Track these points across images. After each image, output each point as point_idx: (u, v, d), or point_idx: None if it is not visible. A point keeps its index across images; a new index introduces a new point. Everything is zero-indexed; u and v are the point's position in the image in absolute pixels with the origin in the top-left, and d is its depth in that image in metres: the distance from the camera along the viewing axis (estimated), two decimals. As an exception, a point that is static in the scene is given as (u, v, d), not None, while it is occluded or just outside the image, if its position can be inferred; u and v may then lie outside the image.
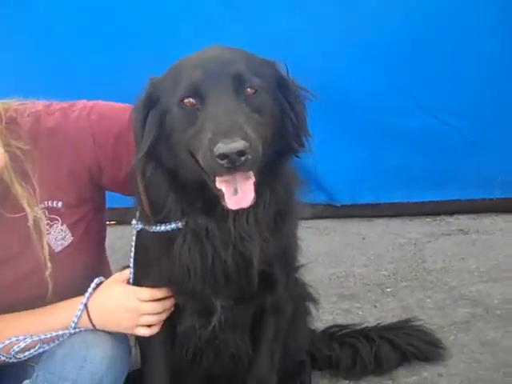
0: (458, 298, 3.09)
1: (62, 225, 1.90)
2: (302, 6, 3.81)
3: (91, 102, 1.93)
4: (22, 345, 1.83)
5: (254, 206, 1.58)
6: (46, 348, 1.87)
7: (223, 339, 1.94)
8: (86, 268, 1.98)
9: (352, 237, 4.00)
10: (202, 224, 1.65)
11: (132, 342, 2.09)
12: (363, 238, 3.97)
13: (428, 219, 4.20)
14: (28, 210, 1.79)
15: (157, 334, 1.93)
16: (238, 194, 1.47)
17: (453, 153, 4.05)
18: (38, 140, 1.84)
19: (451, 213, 4.20)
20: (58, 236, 1.90)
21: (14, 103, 1.87)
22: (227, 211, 1.58)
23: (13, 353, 1.84)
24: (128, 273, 1.89)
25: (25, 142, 1.81)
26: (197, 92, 1.51)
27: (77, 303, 1.86)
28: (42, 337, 1.85)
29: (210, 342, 1.96)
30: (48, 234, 1.86)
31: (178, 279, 1.76)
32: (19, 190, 1.79)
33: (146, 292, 1.85)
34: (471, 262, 3.51)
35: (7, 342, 1.83)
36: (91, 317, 1.85)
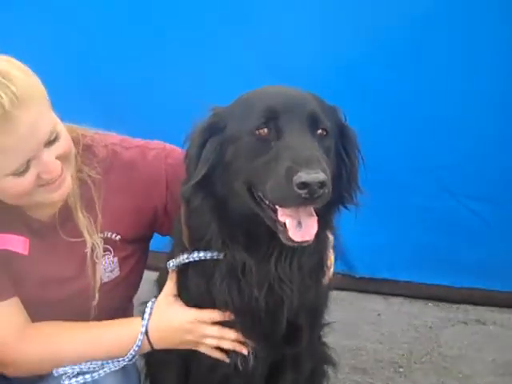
0: (472, 388, 3.01)
1: (113, 257, 1.92)
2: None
3: (170, 146, 1.99)
4: (77, 370, 1.80)
5: (299, 252, 1.59)
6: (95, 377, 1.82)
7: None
8: (120, 304, 2.02)
9: (367, 312, 3.94)
10: (241, 259, 1.63)
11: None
12: (378, 315, 3.91)
13: (446, 305, 4.13)
14: (87, 237, 1.83)
15: (169, 371, 1.90)
16: (302, 227, 1.47)
17: (474, 239, 4.03)
18: (111, 172, 1.89)
19: (469, 302, 4.14)
20: (108, 268, 1.92)
21: (90, 131, 1.93)
22: (271, 250, 1.58)
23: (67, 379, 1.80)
24: (172, 286, 1.85)
25: (97, 171, 1.86)
26: (273, 123, 1.52)
27: (135, 326, 1.82)
28: (91, 367, 1.81)
29: None
30: (98, 263, 1.88)
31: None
32: (81, 217, 1.82)
33: (206, 314, 1.80)
34: (487, 353, 3.43)
35: (61, 372, 1.80)
36: (151, 341, 1.82)
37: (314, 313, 1.84)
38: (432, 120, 3.89)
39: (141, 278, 2.12)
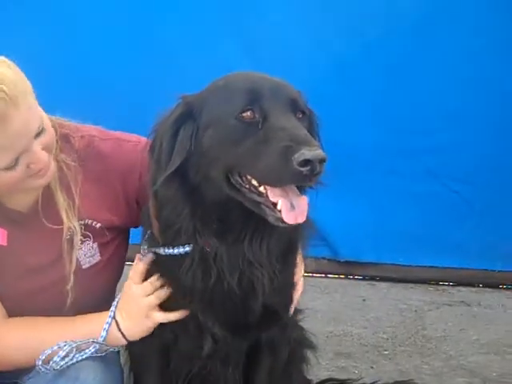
0: (456, 368, 3.04)
1: (93, 243, 1.93)
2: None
3: (145, 140, 1.98)
4: (62, 353, 1.79)
5: (268, 235, 1.60)
6: (79, 358, 1.82)
7: (214, 372, 1.89)
8: (103, 289, 2.01)
9: (352, 298, 3.97)
10: (212, 248, 1.63)
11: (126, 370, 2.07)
12: (364, 300, 3.94)
13: (430, 288, 4.16)
14: (65, 220, 1.84)
15: (150, 362, 1.91)
16: (295, 209, 1.47)
17: (458, 221, 4.07)
18: (88, 161, 1.90)
19: (453, 282, 4.17)
20: (88, 253, 1.93)
21: (68, 122, 1.94)
22: (242, 236, 1.59)
23: (54, 364, 1.78)
24: (139, 266, 1.85)
25: (73, 159, 1.88)
26: (257, 106, 1.51)
27: (106, 315, 1.85)
28: (79, 342, 1.81)
29: (200, 376, 1.92)
30: (79, 249, 1.89)
31: (178, 301, 1.75)
32: (61, 198, 1.84)
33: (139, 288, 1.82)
34: (471, 333, 3.47)
35: (49, 351, 1.79)
36: (120, 327, 1.84)
37: (287, 296, 1.84)
38: (416, 105, 3.94)
39: (123, 261, 2.12)
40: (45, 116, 1.75)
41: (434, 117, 3.97)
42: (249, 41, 3.82)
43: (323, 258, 4.18)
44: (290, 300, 1.88)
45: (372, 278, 4.23)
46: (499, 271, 4.13)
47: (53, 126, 1.84)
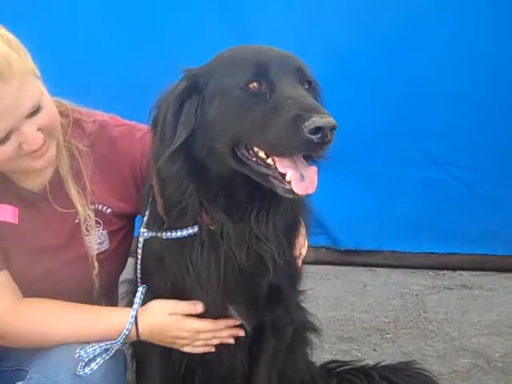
0: (459, 349, 3.03)
1: (103, 230, 1.93)
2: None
3: None
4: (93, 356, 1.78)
5: (274, 210, 1.58)
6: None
7: (220, 354, 1.89)
8: (109, 277, 2.02)
9: (353, 284, 3.96)
10: (218, 224, 1.62)
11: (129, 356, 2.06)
12: (364, 286, 3.93)
13: (431, 273, 4.16)
14: (79, 208, 1.84)
15: (153, 347, 1.89)
16: (305, 180, 1.46)
17: (458, 207, 4.07)
18: (99, 146, 1.91)
19: (454, 267, 4.17)
20: (98, 240, 1.93)
21: (81, 107, 1.95)
22: (249, 211, 1.58)
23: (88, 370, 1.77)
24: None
25: (84, 143, 1.88)
26: (264, 77, 1.50)
27: (127, 312, 1.83)
28: (108, 345, 1.79)
29: (206, 359, 1.91)
30: (88, 235, 1.89)
31: (192, 288, 1.73)
32: (72, 187, 1.84)
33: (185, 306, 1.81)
34: (473, 315, 3.46)
35: (83, 354, 1.78)
36: (139, 331, 1.82)
37: (291, 274, 1.83)
38: (415, 90, 3.93)
39: (128, 254, 2.11)
40: (46, 97, 1.73)
41: (434, 102, 3.95)
42: (243, 30, 3.78)
43: (322, 247, 4.17)
44: (295, 280, 1.87)
45: (373, 266, 4.21)
46: (500, 256, 4.12)
47: (64, 110, 1.86)
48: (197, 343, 1.85)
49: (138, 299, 1.81)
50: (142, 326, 1.81)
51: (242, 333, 1.85)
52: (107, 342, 1.80)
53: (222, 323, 1.83)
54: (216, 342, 1.86)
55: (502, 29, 3.80)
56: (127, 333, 1.79)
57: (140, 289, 1.83)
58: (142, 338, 1.83)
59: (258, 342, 1.94)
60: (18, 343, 1.89)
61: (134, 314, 1.80)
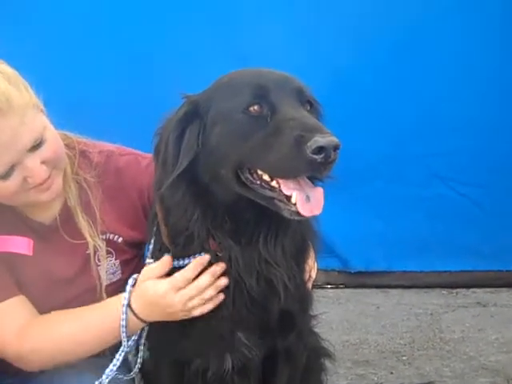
0: (478, 368, 2.98)
1: (115, 260, 1.92)
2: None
3: None
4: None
5: (283, 233, 1.56)
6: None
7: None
8: None
9: (366, 306, 3.91)
10: (225, 251, 1.60)
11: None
12: (377, 308, 3.88)
13: (444, 291, 4.11)
14: (89, 239, 1.84)
15: (165, 377, 1.86)
16: (311, 201, 1.44)
17: (467, 223, 4.03)
18: (106, 176, 1.91)
19: (467, 285, 4.11)
20: (110, 270, 1.91)
21: (85, 139, 1.96)
22: (256, 235, 1.56)
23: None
24: (157, 267, 1.74)
25: (92, 175, 1.88)
26: (264, 99, 1.50)
27: (116, 305, 1.77)
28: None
29: None
30: (101, 265, 1.88)
31: (202, 316, 1.69)
32: (81, 220, 1.84)
33: (180, 276, 1.68)
34: (490, 333, 3.41)
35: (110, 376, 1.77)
36: (136, 312, 1.74)
37: (302, 299, 1.80)
38: (419, 108, 3.93)
39: None
40: (50, 130, 1.73)
41: (438, 120, 3.96)
42: (241, 53, 3.79)
43: (333, 270, 4.13)
44: (306, 304, 1.84)
45: (384, 287, 4.17)
46: (512, 271, 4.07)
47: (70, 143, 1.87)
48: (190, 304, 1.69)
49: (129, 287, 1.76)
50: (138, 309, 1.74)
51: (225, 281, 1.67)
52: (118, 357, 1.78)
53: (203, 278, 1.68)
54: (208, 295, 1.68)
55: (506, 50, 3.81)
56: (124, 320, 1.74)
57: (130, 281, 1.76)
58: (143, 316, 1.75)
59: (272, 370, 1.90)
60: (38, 363, 1.83)
61: (125, 309, 1.73)
